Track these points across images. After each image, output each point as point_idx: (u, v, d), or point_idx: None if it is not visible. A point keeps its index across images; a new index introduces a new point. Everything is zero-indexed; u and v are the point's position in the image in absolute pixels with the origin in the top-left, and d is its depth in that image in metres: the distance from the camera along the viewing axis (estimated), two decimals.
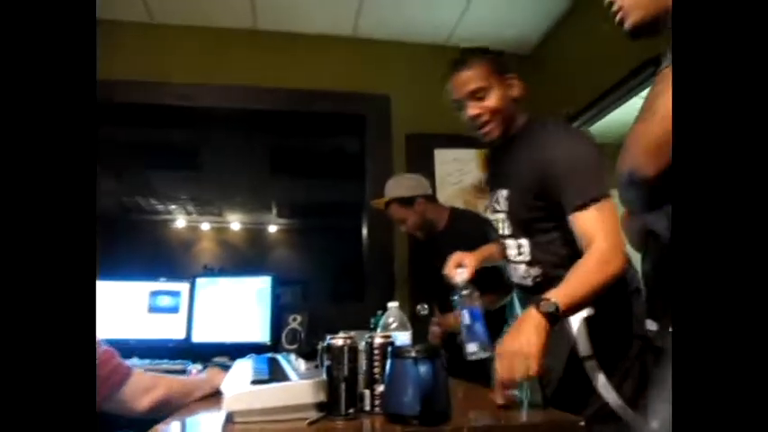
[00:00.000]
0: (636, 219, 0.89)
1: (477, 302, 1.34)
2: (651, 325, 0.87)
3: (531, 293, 1.39)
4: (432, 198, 2.26)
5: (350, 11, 2.72)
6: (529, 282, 1.38)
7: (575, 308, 1.11)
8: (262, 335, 2.29)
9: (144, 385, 1.20)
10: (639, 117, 0.79)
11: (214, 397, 1.26)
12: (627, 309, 1.23)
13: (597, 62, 2.37)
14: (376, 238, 2.75)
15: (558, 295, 1.08)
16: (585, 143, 1.26)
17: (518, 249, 1.39)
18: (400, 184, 2.22)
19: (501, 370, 1.01)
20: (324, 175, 5.08)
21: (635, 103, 2.22)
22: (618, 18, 0.98)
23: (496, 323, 2.07)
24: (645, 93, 0.83)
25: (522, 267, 1.39)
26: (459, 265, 1.46)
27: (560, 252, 1.29)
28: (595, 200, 1.16)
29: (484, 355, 1.28)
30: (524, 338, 1.02)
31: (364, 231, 2.86)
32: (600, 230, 1.14)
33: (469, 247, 1.96)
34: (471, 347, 1.29)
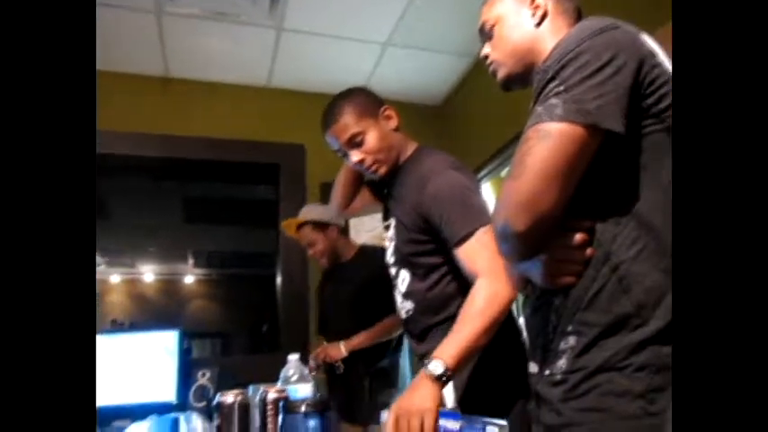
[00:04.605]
0: (514, 266, 0.93)
1: None
2: (533, 368, 0.91)
3: (408, 331, 1.40)
4: (343, 231, 2.38)
5: (264, 61, 2.75)
6: (402, 314, 1.38)
7: (465, 361, 1.06)
8: (168, 394, 2.17)
9: None
10: (510, 173, 0.82)
11: None
12: (504, 353, 1.15)
13: (501, 114, 2.52)
14: (291, 287, 2.72)
15: (444, 354, 1.04)
16: (463, 176, 1.26)
17: (398, 279, 1.38)
18: (316, 209, 2.31)
19: (396, 430, 0.97)
20: (240, 224, 4.99)
21: None
22: (491, 71, 1.06)
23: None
24: None
25: (399, 298, 1.39)
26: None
27: (445, 292, 1.28)
28: (474, 231, 1.14)
29: None
30: (418, 398, 1.00)
31: (278, 280, 2.82)
32: (483, 264, 1.12)
33: (368, 282, 2.07)
34: None
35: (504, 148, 2.52)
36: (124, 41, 2.56)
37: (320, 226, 2.25)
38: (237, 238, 5.55)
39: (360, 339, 2.12)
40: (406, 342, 2.22)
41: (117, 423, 2.01)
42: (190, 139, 2.77)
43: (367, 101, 1.38)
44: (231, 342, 6.85)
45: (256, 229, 4.39)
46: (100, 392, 2.17)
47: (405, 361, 2.27)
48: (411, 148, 1.40)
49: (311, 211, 2.30)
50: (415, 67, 2.87)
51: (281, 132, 2.89)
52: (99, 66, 2.68)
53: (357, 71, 2.87)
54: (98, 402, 2.13)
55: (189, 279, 7.43)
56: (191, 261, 6.67)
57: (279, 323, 2.79)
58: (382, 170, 1.36)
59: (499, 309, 1.07)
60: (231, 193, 4.26)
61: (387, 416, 0.99)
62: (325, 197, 2.80)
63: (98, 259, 6.46)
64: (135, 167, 3.06)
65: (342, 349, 2.13)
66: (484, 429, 0.87)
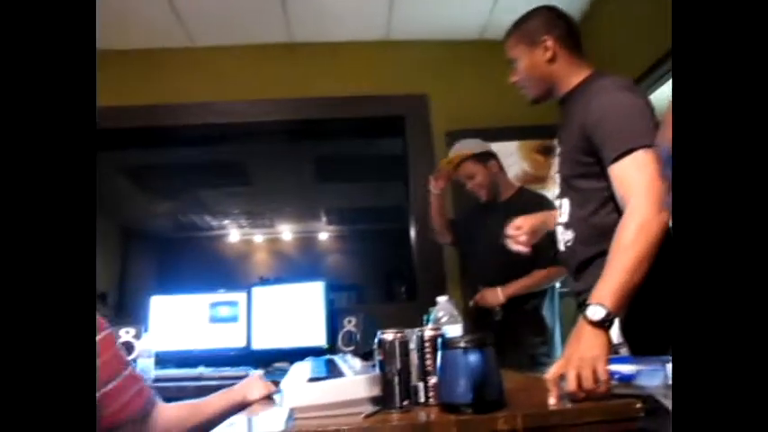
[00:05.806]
0: None
1: None
2: None
3: (566, 264, 1.36)
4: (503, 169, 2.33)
5: (381, 14, 2.75)
6: (562, 246, 1.35)
7: (625, 299, 1.01)
8: (319, 339, 2.34)
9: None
10: None
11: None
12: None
13: (644, 34, 2.30)
14: (424, 237, 2.77)
15: (602, 297, 0.99)
16: (632, 96, 1.20)
17: (560, 210, 1.35)
18: (472, 143, 2.29)
19: (570, 381, 0.94)
20: (369, 180, 5.12)
21: None
22: None
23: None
24: None
25: (560, 229, 1.36)
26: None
27: (605, 220, 1.21)
28: (632, 150, 1.08)
29: None
30: (585, 347, 0.97)
31: (412, 231, 2.88)
32: (636, 186, 1.06)
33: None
34: None
35: (652, 68, 2.29)
36: (250, 15, 2.68)
37: (481, 158, 2.24)
38: (367, 193, 5.72)
39: (518, 286, 2.07)
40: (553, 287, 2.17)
41: (277, 364, 2.22)
42: (317, 100, 2.87)
43: (534, 28, 1.40)
44: (366, 293, 7.17)
45: (385, 183, 4.48)
46: (259, 338, 2.41)
47: (553, 307, 2.19)
48: (583, 73, 1.36)
49: (470, 145, 2.28)
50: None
51: (404, 84, 2.90)
52: (229, 41, 2.85)
53: (475, 13, 2.76)
54: (257, 346, 2.38)
55: (323, 236, 7.85)
56: (324, 218, 7.03)
57: (414, 274, 2.86)
58: (530, 94, 1.43)
59: (653, 237, 1.01)
60: (359, 150, 4.36)
61: (553, 368, 0.98)
62: (451, 145, 2.78)
63: (243, 221, 7.05)
64: (269, 133, 3.26)
65: (500, 295, 2.09)
66: (665, 368, 0.82)
